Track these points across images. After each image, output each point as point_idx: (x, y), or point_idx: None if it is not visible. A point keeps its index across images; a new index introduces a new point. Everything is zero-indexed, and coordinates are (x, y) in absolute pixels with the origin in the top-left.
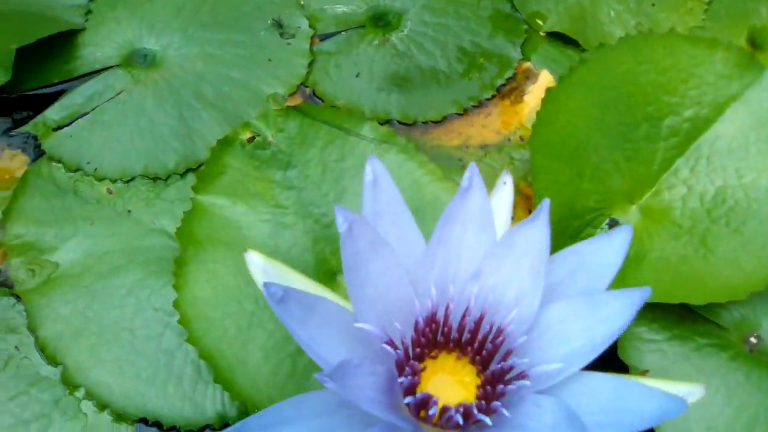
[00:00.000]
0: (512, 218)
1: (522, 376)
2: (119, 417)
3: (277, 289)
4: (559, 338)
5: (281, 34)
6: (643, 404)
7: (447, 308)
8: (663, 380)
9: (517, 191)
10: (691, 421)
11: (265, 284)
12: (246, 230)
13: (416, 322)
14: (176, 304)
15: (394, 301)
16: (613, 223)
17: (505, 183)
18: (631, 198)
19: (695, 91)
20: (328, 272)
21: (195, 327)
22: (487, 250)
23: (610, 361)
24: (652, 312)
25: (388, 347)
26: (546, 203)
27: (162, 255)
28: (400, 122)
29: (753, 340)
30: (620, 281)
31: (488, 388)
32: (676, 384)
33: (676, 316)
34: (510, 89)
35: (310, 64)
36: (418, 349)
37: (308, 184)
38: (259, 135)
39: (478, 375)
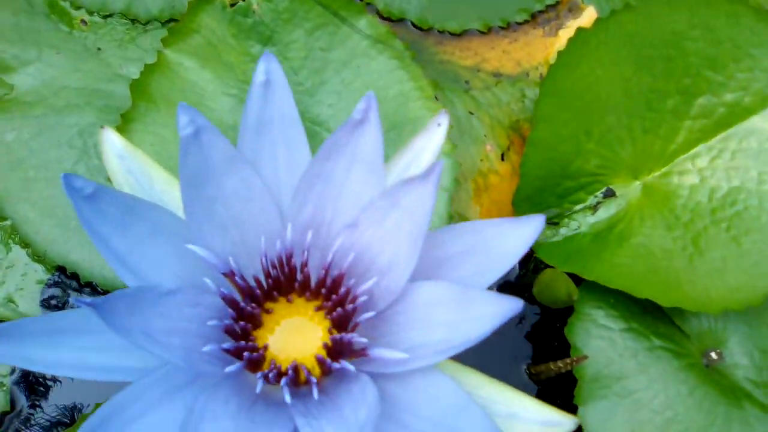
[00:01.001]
0: (503, 160)
1: (363, 353)
2: (39, 259)
3: (85, 184)
4: (419, 323)
5: None
6: None
7: (306, 253)
8: (543, 405)
9: (520, 133)
10: (618, 418)
11: (65, 176)
12: (207, 100)
13: (263, 259)
14: None
15: (249, 230)
16: (609, 194)
17: (439, 125)
18: (637, 173)
19: (745, 75)
20: None
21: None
22: (369, 200)
23: (554, 335)
24: (616, 297)
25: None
26: (439, 165)
27: (121, 105)
28: (414, 25)
29: (713, 355)
30: (595, 256)
31: (327, 356)
32: (553, 412)
33: (640, 309)
34: (547, 19)
35: None
36: (260, 292)
37: (286, 67)
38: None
39: (324, 336)
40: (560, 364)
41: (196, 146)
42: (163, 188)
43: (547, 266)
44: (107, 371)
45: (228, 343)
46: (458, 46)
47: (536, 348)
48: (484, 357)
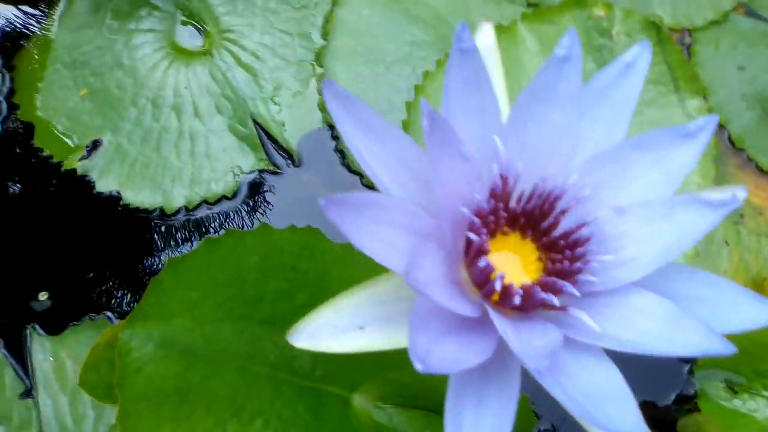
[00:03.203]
0: None
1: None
2: None
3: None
4: (619, 321)
5: None
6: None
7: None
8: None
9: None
10: None
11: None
12: None
13: (492, 190)
14: None
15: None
16: None
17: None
18: None
19: None
20: None
21: None
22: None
23: None
24: None
25: (464, 210)
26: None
27: None
28: (730, 138)
29: None
30: None
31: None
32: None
33: None
34: None
35: None
36: (490, 218)
37: None
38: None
39: (543, 257)
40: None
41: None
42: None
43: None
44: None
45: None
46: (756, 182)
47: None
48: None
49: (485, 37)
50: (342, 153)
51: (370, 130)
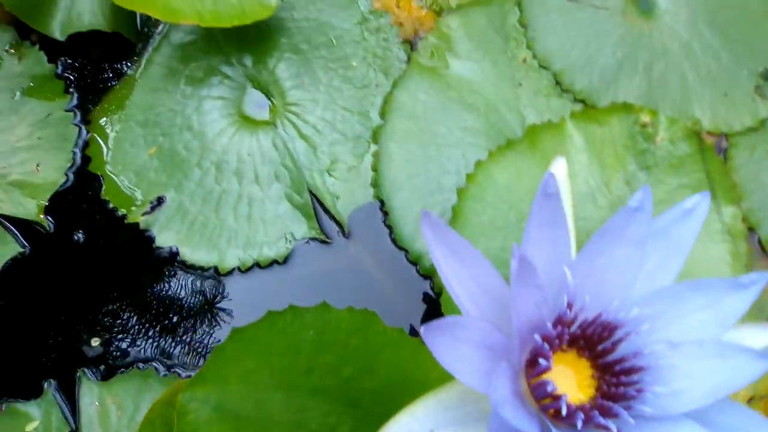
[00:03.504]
0: None
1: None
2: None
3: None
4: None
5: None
6: None
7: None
8: None
9: None
10: None
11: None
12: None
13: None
14: None
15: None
16: None
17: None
18: None
19: None
20: None
21: None
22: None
23: None
24: None
25: (536, 336)
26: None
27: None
28: (760, 243)
29: None
30: None
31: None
32: None
33: None
34: None
35: None
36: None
37: None
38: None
39: (597, 376)
40: None
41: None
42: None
43: None
44: None
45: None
46: None
47: None
48: None
49: (558, 170)
50: (390, 228)
51: (458, 256)
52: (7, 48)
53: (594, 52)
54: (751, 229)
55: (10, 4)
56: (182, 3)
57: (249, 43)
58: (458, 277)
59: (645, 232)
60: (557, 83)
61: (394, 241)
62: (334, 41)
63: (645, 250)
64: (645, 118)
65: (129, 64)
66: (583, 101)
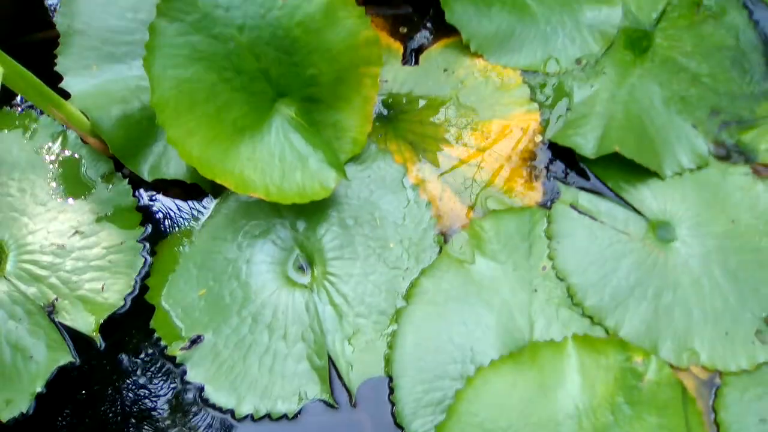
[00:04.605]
0: None
1: None
2: None
3: None
4: None
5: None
6: None
7: None
8: None
9: None
10: None
11: None
12: None
13: None
14: None
15: None
16: None
17: None
18: None
19: None
20: None
21: None
22: None
23: None
24: None
25: None
26: None
27: None
28: None
29: None
30: None
31: None
32: None
33: None
34: None
35: None
36: None
37: None
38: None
39: None
40: None
41: None
42: None
43: None
44: None
45: None
46: None
47: None
48: None
49: None
50: (393, 404)
51: None
52: (102, 175)
53: (609, 272)
54: None
55: (114, 146)
56: (254, 175)
57: (305, 210)
58: None
59: None
60: (570, 296)
61: (394, 416)
62: (378, 221)
63: None
64: (638, 358)
65: (201, 209)
66: (590, 317)
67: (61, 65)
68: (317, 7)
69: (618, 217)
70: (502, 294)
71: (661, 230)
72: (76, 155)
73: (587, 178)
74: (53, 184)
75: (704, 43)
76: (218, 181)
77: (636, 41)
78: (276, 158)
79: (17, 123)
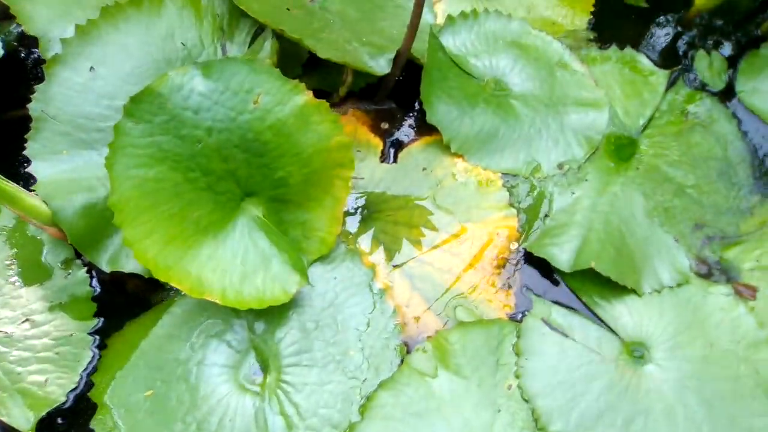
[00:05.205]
0: None
1: None
2: None
3: None
4: None
5: None
6: None
7: None
8: None
9: None
10: None
11: None
12: None
13: None
14: None
15: None
16: None
17: None
18: None
19: None
20: None
21: None
22: None
23: None
24: None
25: None
26: None
27: None
28: None
29: None
30: None
31: None
32: None
33: None
34: None
35: None
36: None
37: None
38: None
39: None
40: None
41: None
42: None
43: None
44: None
45: None
46: None
47: None
48: None
49: None
50: None
51: None
52: (62, 261)
53: (577, 395)
54: None
55: (73, 236)
56: (213, 277)
57: (265, 310)
58: None
59: None
60: (534, 420)
61: None
62: (339, 326)
63: None
64: None
65: (158, 302)
66: None
67: (31, 149)
68: (290, 111)
69: (591, 335)
70: (464, 412)
71: (635, 351)
72: (39, 237)
73: (562, 290)
74: (13, 267)
75: (691, 152)
76: (173, 283)
77: (621, 148)
78: (238, 259)
79: None
